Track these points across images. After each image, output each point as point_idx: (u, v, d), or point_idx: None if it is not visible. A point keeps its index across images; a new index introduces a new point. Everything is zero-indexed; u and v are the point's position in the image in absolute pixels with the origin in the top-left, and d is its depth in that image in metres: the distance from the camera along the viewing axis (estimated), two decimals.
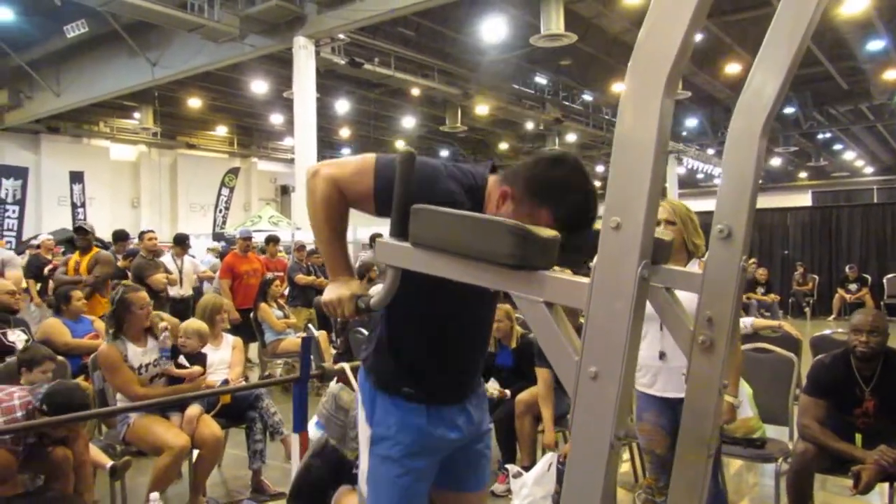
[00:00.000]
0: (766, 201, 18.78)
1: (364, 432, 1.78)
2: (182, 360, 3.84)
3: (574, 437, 1.21)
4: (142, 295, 3.79)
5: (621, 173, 1.14)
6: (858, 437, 3.26)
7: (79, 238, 6.69)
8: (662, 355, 2.77)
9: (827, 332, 4.97)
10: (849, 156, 27.87)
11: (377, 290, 1.64)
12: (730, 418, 2.84)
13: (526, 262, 1.24)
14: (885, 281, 12.90)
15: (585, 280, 1.20)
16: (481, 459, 1.95)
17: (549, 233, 1.31)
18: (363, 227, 11.84)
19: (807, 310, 12.88)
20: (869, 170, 29.81)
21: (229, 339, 4.56)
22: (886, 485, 3.20)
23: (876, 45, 14.66)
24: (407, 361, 1.73)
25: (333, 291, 1.60)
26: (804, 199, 24.11)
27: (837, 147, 26.67)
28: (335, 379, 2.98)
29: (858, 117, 21.38)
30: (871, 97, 18.45)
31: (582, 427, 1.20)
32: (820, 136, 24.33)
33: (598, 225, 1.63)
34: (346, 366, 2.88)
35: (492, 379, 4.36)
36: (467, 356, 1.84)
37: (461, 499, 1.95)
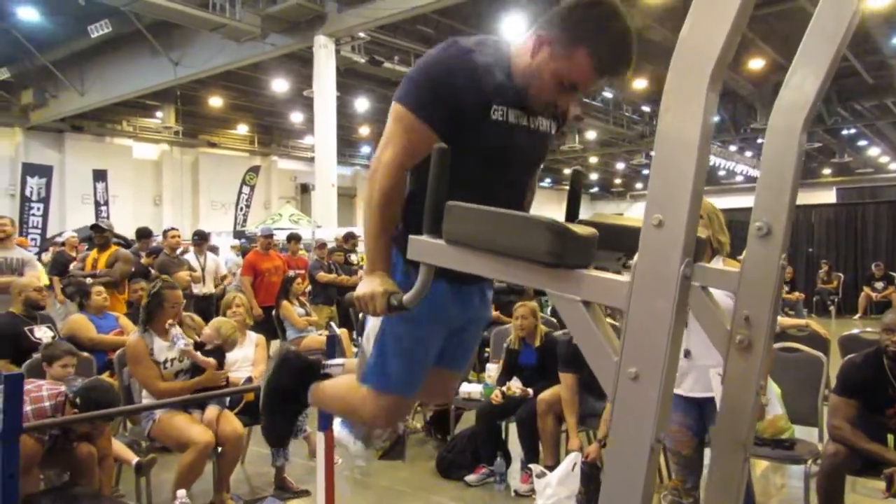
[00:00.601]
0: None
1: None
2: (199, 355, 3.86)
3: (613, 439, 1.19)
4: (177, 293, 3.84)
5: (664, 169, 1.12)
6: (890, 437, 3.21)
7: (96, 235, 6.75)
8: (688, 353, 2.74)
9: (855, 331, 4.89)
10: (874, 152, 27.45)
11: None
12: (759, 416, 2.79)
13: (563, 260, 1.22)
14: None
15: (624, 278, 1.17)
16: (473, 345, 2.06)
17: (587, 230, 1.29)
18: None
19: (832, 308, 12.71)
20: (894, 165, 29.34)
21: (253, 337, 4.58)
22: None
23: None
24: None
25: (367, 286, 1.59)
26: (829, 196, 23.76)
27: (862, 143, 26.28)
28: None
29: (884, 112, 21.04)
30: None
31: (621, 428, 1.17)
32: (844, 132, 23.99)
33: (635, 222, 1.63)
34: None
35: (514, 377, 4.34)
36: None
37: (445, 375, 2.01)
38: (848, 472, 3.17)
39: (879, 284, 12.56)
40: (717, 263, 2.67)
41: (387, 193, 1.61)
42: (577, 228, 1.25)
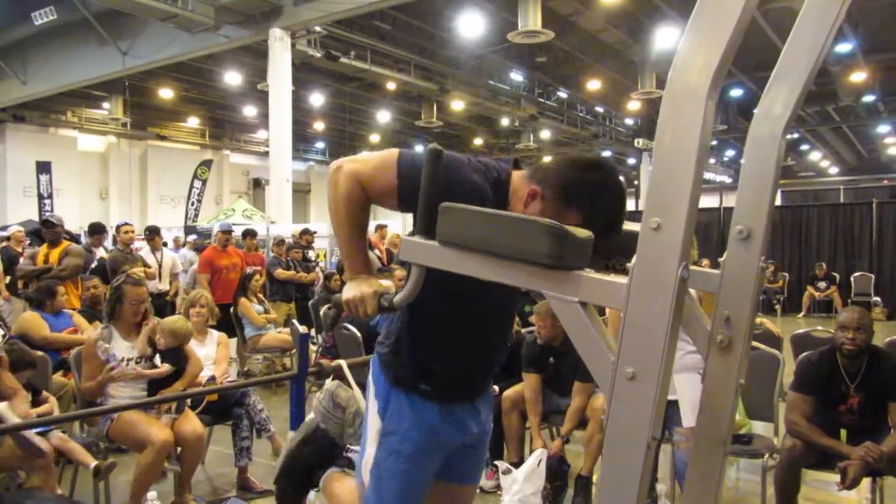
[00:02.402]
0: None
1: (374, 424, 1.78)
2: (157, 360, 3.77)
3: (609, 438, 1.22)
4: (139, 290, 3.73)
5: (663, 174, 1.14)
6: (843, 432, 3.33)
7: (47, 231, 6.51)
8: None
9: (807, 329, 5.07)
10: (815, 156, 28.45)
11: (387, 283, 1.64)
12: None
13: (562, 263, 1.24)
14: (852, 279, 13.21)
15: (623, 280, 1.20)
16: (480, 455, 1.99)
17: (584, 233, 1.31)
18: None
19: (777, 307, 13.11)
20: (834, 170, 30.47)
21: (214, 335, 4.50)
22: (869, 479, 3.27)
23: (843, 47, 14.95)
24: (426, 360, 1.72)
25: (355, 289, 1.58)
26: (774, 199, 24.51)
27: (804, 147, 27.21)
28: (331, 377, 2.95)
29: (825, 118, 21.84)
30: (838, 99, 18.83)
31: (618, 427, 1.20)
32: (788, 137, 24.73)
33: (628, 226, 1.66)
34: (344, 363, 2.85)
35: None
36: (486, 356, 1.85)
37: (455, 491, 1.98)
38: (804, 466, 3.28)
39: (822, 284, 13.04)
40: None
41: (347, 196, 1.60)
42: (575, 230, 1.27)
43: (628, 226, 1.59)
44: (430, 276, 1.46)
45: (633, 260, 1.17)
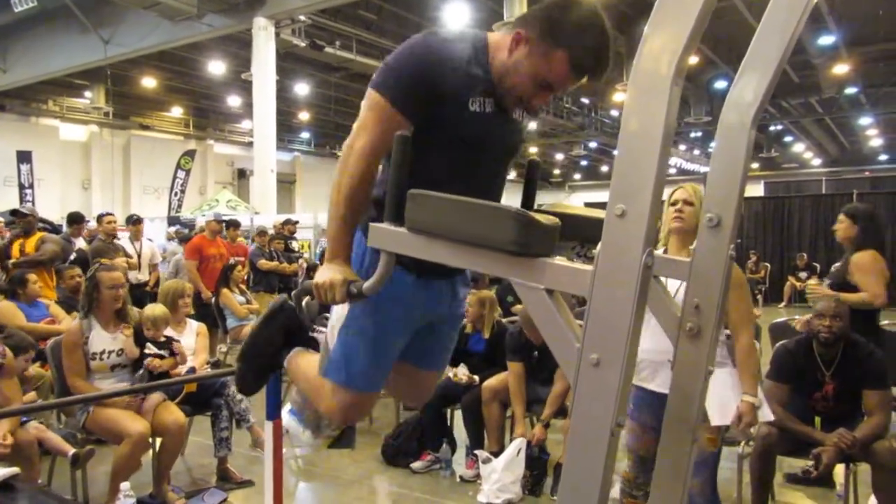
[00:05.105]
0: None
1: None
2: (151, 347, 3.75)
3: (574, 424, 1.22)
4: (113, 275, 3.67)
5: (627, 161, 1.14)
6: (817, 420, 3.37)
7: (18, 221, 6.41)
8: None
9: (786, 318, 5.11)
10: (798, 148, 28.66)
11: None
12: (751, 420, 2.71)
13: (528, 249, 1.23)
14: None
15: (588, 267, 1.20)
16: (447, 342, 1.99)
17: (550, 220, 1.30)
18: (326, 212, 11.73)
19: (759, 297, 13.23)
20: (817, 161, 30.71)
21: (193, 325, 4.47)
22: (843, 466, 3.31)
23: (826, 40, 15.06)
24: None
25: (326, 274, 1.57)
26: (757, 190, 24.71)
27: (788, 139, 27.41)
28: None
29: (808, 110, 21.99)
30: (821, 91, 18.97)
31: (583, 414, 1.20)
32: (771, 128, 24.96)
33: (595, 213, 1.66)
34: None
35: (461, 364, 4.37)
36: None
37: (419, 374, 1.99)
38: (778, 454, 3.32)
39: (803, 274, 13.17)
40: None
41: (357, 181, 1.58)
42: (540, 218, 1.27)
43: (600, 213, 1.59)
44: (418, 134, 1.47)
45: (598, 246, 1.17)
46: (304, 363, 1.99)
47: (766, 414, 2.93)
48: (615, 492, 2.99)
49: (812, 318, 3.37)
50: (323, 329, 2.07)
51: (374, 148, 1.58)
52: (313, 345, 2.08)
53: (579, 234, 1.66)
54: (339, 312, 1.75)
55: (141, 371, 3.68)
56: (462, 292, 1.90)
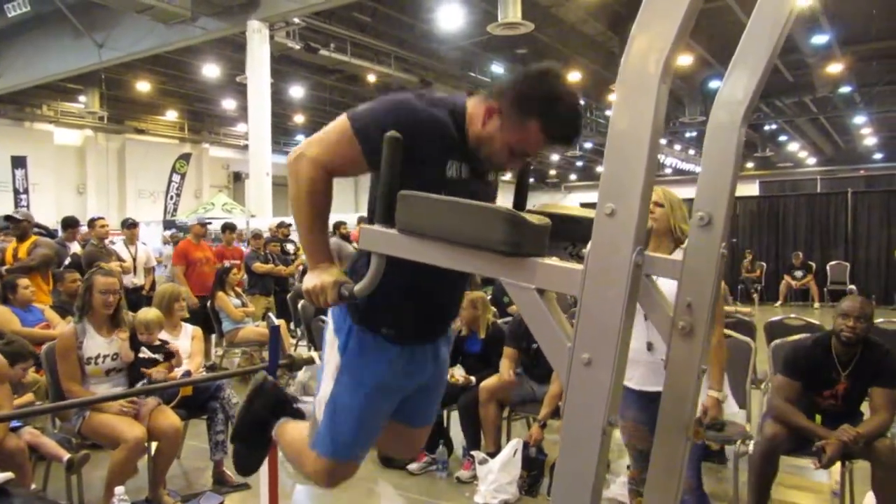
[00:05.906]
0: None
1: (333, 361, 1.79)
2: (146, 351, 3.74)
3: (566, 423, 1.22)
4: (109, 280, 3.67)
5: (616, 160, 1.15)
6: (818, 417, 3.37)
7: (11, 226, 6.38)
8: (650, 346, 2.67)
9: (781, 317, 5.13)
10: (793, 147, 28.70)
11: None
12: (716, 413, 2.75)
13: (519, 250, 1.24)
14: (828, 268, 13.38)
15: (578, 267, 1.20)
16: (436, 396, 2.03)
17: (541, 220, 1.31)
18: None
19: (755, 296, 13.25)
20: (811, 161, 30.76)
21: (188, 329, 4.46)
22: (839, 463, 3.31)
23: (820, 39, 15.08)
24: (389, 301, 1.68)
25: (316, 278, 1.58)
26: (752, 189, 24.73)
27: (782, 138, 27.44)
28: (303, 368, 2.94)
29: (802, 109, 22.01)
30: (815, 90, 19.00)
31: (575, 413, 1.20)
32: (766, 128, 25.00)
33: (588, 213, 1.66)
34: (316, 355, 2.84)
35: (458, 365, 4.37)
36: (448, 297, 1.85)
37: (412, 432, 2.03)
38: (783, 453, 3.30)
39: (799, 273, 13.19)
40: (679, 254, 2.69)
41: (310, 184, 1.60)
42: (532, 218, 1.27)
43: (591, 213, 1.59)
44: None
45: (588, 246, 1.17)
46: (290, 432, 2.06)
47: (731, 405, 2.97)
48: (624, 491, 3.00)
49: (836, 316, 3.35)
50: (308, 398, 2.14)
51: (324, 162, 1.59)
52: (299, 415, 2.14)
53: (572, 234, 1.67)
54: (324, 388, 1.79)
55: (144, 381, 3.67)
56: (443, 354, 1.93)
